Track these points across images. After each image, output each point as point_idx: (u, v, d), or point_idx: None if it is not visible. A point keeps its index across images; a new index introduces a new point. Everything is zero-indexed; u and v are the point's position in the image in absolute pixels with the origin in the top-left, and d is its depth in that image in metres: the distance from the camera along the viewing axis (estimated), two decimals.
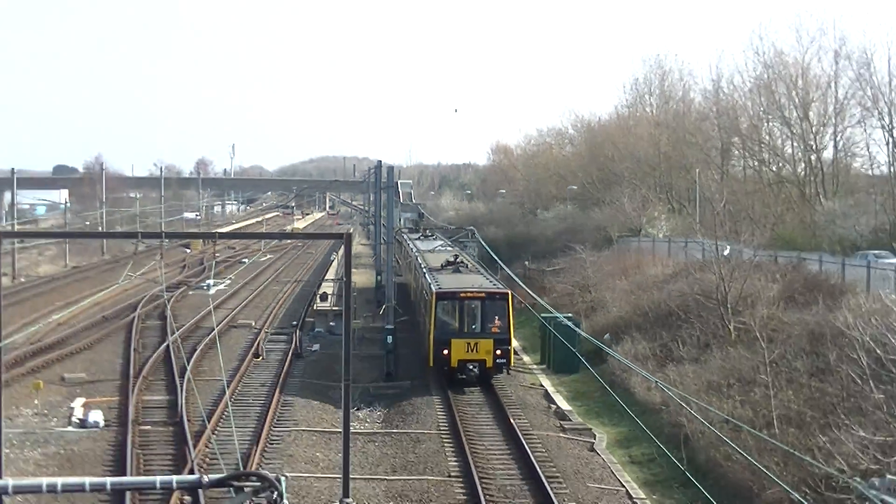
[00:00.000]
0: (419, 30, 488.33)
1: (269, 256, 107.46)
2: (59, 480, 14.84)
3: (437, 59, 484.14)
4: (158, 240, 40.65)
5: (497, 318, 43.58)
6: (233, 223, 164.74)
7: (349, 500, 28.69)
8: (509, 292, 44.95)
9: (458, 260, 53.92)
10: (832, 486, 24.59)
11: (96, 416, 37.66)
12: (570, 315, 49.45)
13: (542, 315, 48.57)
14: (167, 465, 32.25)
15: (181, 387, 40.51)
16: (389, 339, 48.06)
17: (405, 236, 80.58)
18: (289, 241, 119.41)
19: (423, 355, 47.51)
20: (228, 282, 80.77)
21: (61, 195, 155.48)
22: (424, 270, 52.11)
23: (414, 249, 66.19)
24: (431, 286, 45.68)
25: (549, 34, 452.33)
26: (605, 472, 33.80)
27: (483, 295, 44.22)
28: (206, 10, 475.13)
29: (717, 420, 31.12)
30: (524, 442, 35.71)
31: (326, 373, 46.88)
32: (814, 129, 79.83)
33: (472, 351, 42.76)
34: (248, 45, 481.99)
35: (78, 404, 39.50)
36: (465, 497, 30.43)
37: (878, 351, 26.38)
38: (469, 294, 44.09)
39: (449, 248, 66.17)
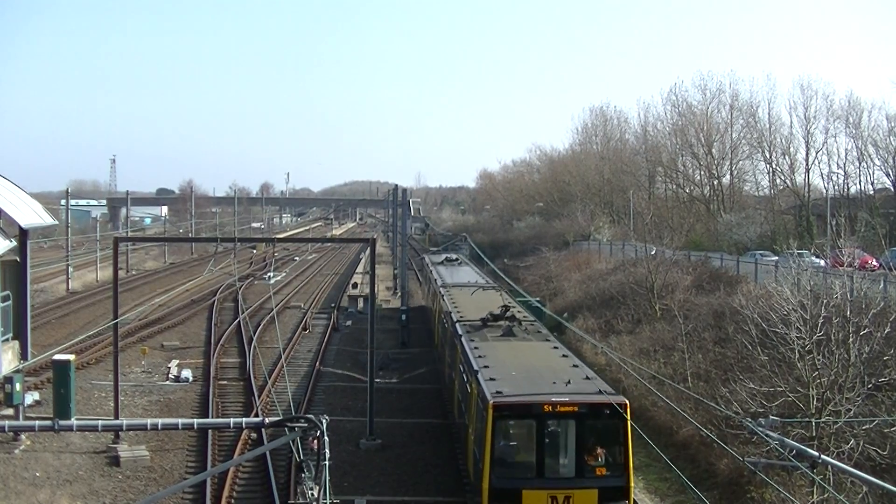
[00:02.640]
0: (429, 87, 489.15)
1: (313, 256, 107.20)
2: (160, 420, 14.92)
3: (441, 109, 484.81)
4: (233, 243, 40.72)
5: (603, 447, 19.63)
6: (287, 231, 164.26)
7: (373, 436, 28.74)
8: (626, 402, 19.88)
9: (507, 313, 28.65)
10: (730, 425, 24.54)
11: (187, 373, 37.64)
12: (538, 298, 49.40)
13: (517, 299, 48.33)
14: (238, 410, 32.18)
15: (249, 352, 40.42)
16: (404, 317, 47.95)
17: (427, 259, 58.59)
18: (328, 244, 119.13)
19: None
20: (284, 274, 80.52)
21: (162, 210, 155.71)
22: (459, 330, 27.56)
23: (438, 282, 44.40)
24: (482, 383, 20.77)
25: (521, 87, 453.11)
26: None
27: (577, 408, 19.49)
28: (263, 75, 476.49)
29: (647, 376, 31.09)
30: None
31: (357, 342, 46.75)
32: (716, 161, 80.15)
33: None
34: (300, 98, 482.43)
35: (174, 364, 39.43)
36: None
37: (763, 325, 26.33)
38: (556, 407, 19.40)
39: (482, 282, 42.04)
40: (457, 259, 56.72)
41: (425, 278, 53.71)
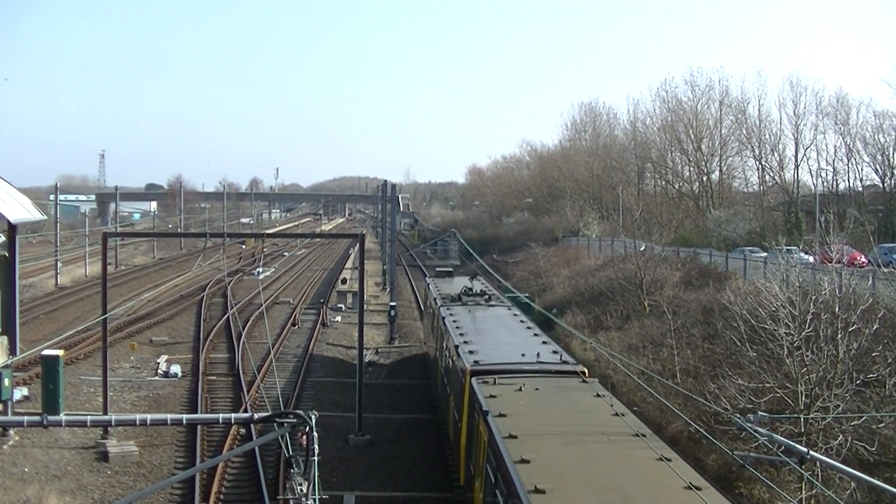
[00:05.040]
0: (418, 82, 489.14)
1: (302, 251, 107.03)
2: (149, 416, 14.82)
3: (431, 105, 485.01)
4: (222, 238, 40.15)
5: None
6: (276, 226, 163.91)
7: (361, 432, 28.72)
8: None
9: None
10: (719, 420, 24.59)
11: (176, 368, 37.53)
12: (527, 294, 49.44)
13: (506, 295, 48.17)
14: (227, 406, 32.11)
15: (238, 347, 40.31)
16: (392, 312, 47.89)
17: (432, 287, 39.75)
18: (317, 239, 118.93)
19: None
20: (273, 270, 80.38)
21: (151, 205, 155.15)
22: None
23: (465, 355, 22.80)
24: None
25: (510, 83, 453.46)
26: None
27: None
28: (257, 75, 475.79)
29: (636, 372, 31.13)
30: None
31: (345, 338, 46.71)
32: (705, 158, 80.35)
33: None
34: (290, 94, 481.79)
35: (163, 360, 39.30)
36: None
37: (752, 321, 26.35)
38: None
39: (547, 353, 23.53)
40: (483, 294, 35.58)
41: (432, 324, 35.01)
